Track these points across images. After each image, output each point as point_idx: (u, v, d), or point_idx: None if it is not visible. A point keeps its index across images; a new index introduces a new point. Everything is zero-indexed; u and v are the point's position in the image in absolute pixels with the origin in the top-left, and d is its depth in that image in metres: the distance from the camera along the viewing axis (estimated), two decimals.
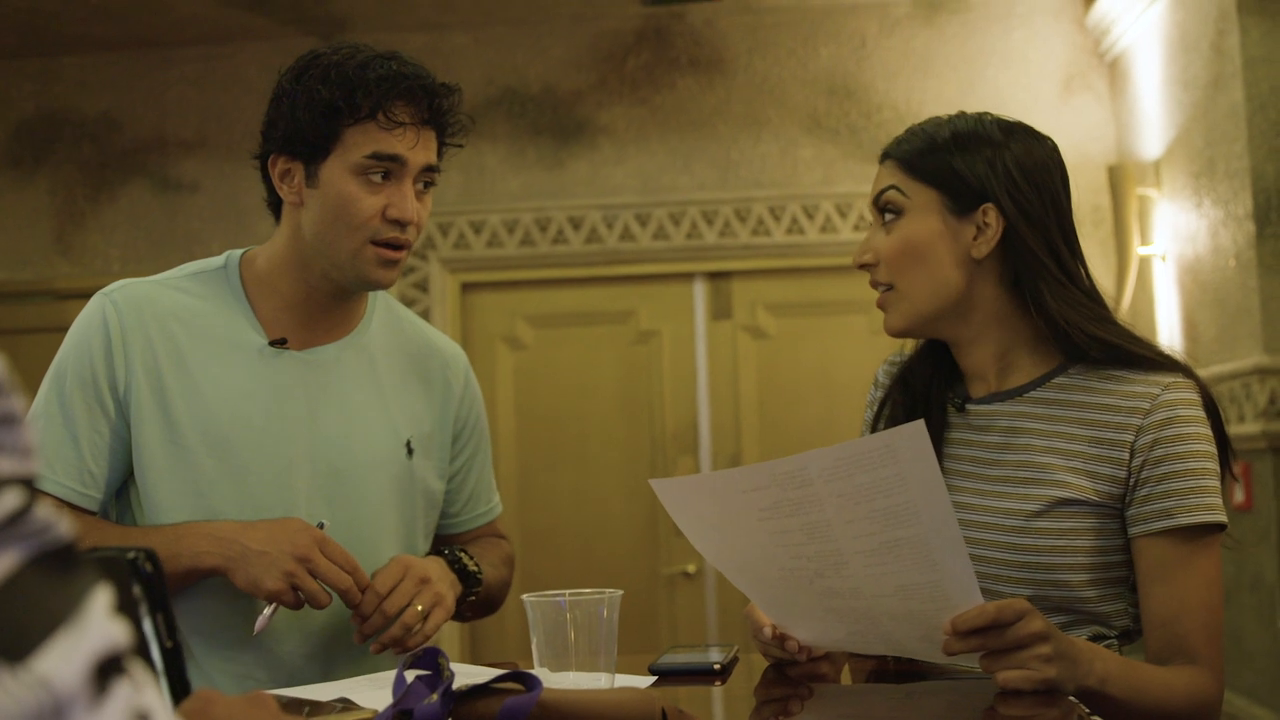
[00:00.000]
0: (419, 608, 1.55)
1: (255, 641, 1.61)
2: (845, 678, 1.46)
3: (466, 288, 4.62)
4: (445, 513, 1.84)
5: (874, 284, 1.54)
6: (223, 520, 1.57)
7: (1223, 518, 1.39)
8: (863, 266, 1.54)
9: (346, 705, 1.32)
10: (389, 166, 1.61)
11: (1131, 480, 1.40)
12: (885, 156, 1.54)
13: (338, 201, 1.61)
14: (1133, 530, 1.41)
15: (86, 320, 1.65)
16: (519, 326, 4.61)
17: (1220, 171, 3.38)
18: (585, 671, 1.28)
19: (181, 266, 1.75)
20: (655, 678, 1.44)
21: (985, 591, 1.30)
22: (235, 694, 1.56)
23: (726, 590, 4.36)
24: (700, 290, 4.57)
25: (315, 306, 1.70)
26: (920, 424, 1.16)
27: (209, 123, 4.62)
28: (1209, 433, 1.42)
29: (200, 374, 1.64)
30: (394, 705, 1.13)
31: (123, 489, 1.66)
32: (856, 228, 4.38)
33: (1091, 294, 1.48)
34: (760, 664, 1.48)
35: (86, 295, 1.73)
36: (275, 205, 1.71)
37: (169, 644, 0.93)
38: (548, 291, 4.61)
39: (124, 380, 1.62)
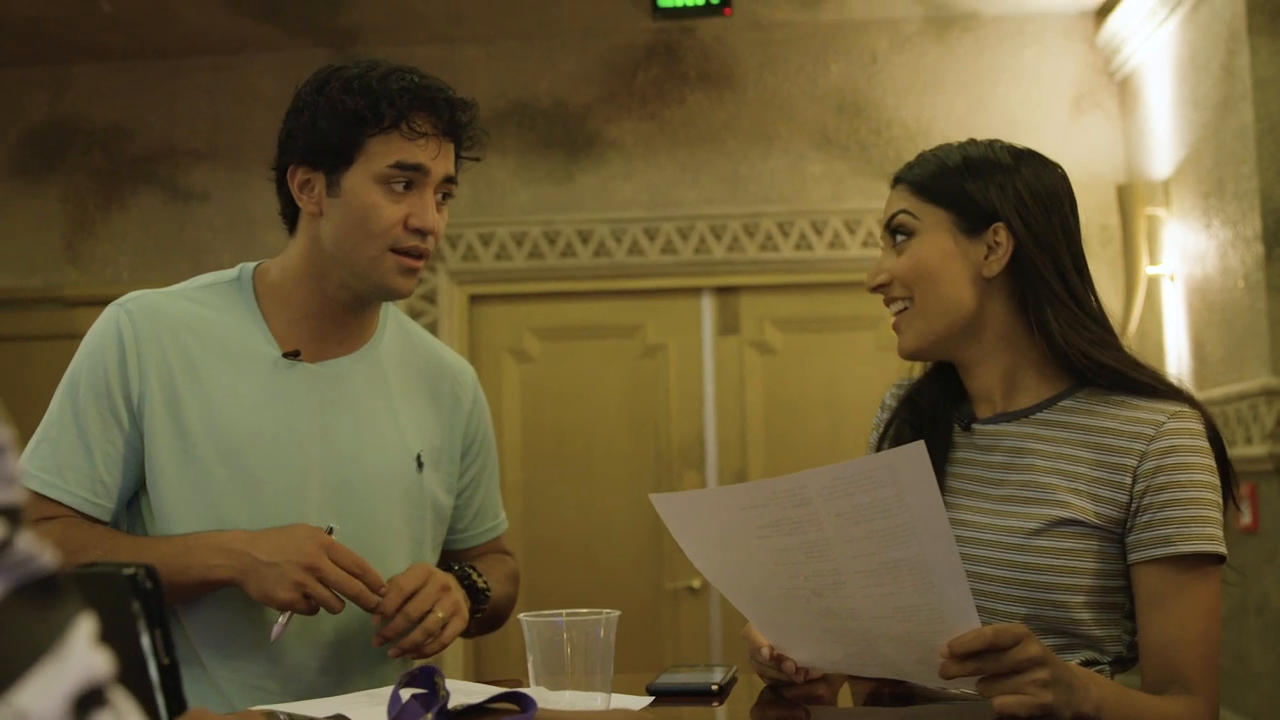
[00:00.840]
0: (440, 614, 1.56)
1: (265, 652, 1.62)
2: (843, 699, 1.46)
3: (474, 300, 4.63)
4: (452, 528, 1.85)
5: (889, 301, 1.54)
6: (231, 530, 1.58)
7: (1222, 549, 1.39)
8: (876, 289, 1.54)
9: None
10: (411, 176, 1.62)
11: (1133, 506, 1.40)
12: (897, 181, 1.56)
13: (360, 210, 1.62)
14: (1132, 557, 1.41)
15: (101, 330, 1.66)
16: (526, 339, 4.62)
17: (1229, 192, 3.38)
18: (581, 690, 1.28)
19: (195, 278, 1.76)
20: (652, 698, 1.44)
21: (982, 610, 1.31)
22: (246, 704, 1.56)
23: (730, 606, 4.34)
24: (708, 305, 4.57)
25: (329, 319, 1.71)
26: (920, 445, 1.16)
27: (220, 132, 4.64)
28: (1212, 464, 1.42)
29: (213, 385, 1.65)
30: None
31: (133, 498, 1.67)
32: (865, 244, 4.38)
33: (1098, 319, 1.49)
34: (759, 685, 1.48)
35: (96, 303, 1.74)
36: (289, 217, 1.72)
37: (166, 661, 0.94)
38: (555, 304, 4.61)
39: (138, 390, 1.63)
